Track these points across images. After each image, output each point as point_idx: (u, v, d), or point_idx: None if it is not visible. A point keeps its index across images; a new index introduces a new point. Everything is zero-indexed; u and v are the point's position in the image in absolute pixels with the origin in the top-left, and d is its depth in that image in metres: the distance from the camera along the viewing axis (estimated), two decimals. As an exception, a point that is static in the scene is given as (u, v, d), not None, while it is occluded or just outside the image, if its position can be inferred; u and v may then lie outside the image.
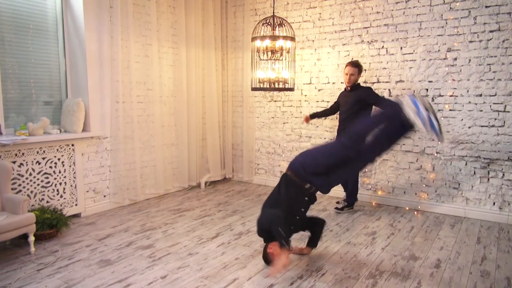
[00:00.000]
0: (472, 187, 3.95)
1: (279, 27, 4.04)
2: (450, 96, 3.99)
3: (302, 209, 2.78)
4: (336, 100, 4.28)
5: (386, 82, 4.35)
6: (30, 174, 3.48)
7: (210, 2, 5.22)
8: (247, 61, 5.29)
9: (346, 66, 3.98)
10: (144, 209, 4.24)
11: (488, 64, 3.78)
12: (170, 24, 4.76)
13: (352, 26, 4.53)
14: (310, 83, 4.91)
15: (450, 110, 4.00)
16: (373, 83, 4.42)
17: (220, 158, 5.57)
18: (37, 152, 3.52)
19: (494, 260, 2.95)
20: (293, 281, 2.62)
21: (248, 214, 4.06)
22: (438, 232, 3.57)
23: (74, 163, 3.83)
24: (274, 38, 3.93)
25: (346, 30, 4.57)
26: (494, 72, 3.75)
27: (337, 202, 4.31)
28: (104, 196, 4.18)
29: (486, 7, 3.73)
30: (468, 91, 3.89)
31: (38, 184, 3.54)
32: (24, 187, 3.44)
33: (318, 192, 2.81)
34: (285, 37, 3.96)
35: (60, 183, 3.73)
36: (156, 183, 4.72)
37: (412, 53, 4.16)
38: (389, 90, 4.34)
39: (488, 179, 3.86)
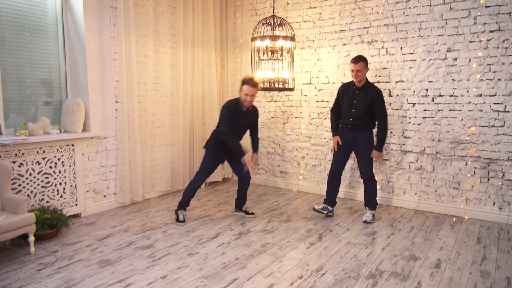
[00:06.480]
0: (472, 187, 3.95)
1: (279, 27, 4.04)
2: (450, 96, 3.99)
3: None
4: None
5: (386, 82, 4.35)
6: (30, 174, 3.48)
7: (210, 2, 5.22)
8: (247, 61, 5.29)
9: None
10: (144, 209, 4.24)
11: (488, 64, 3.77)
12: (170, 24, 4.76)
13: (352, 26, 4.53)
14: (310, 83, 4.91)
15: (450, 110, 4.00)
16: (373, 83, 4.40)
17: (220, 158, 5.55)
18: (37, 152, 3.52)
19: (494, 260, 2.95)
20: (293, 281, 2.62)
21: (248, 214, 4.05)
22: (438, 232, 3.57)
23: (74, 163, 3.83)
24: (274, 38, 3.93)
25: (346, 30, 4.57)
26: (494, 72, 3.75)
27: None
28: (104, 196, 4.18)
29: (486, 7, 3.73)
30: (468, 91, 3.89)
31: (38, 184, 3.54)
32: (24, 187, 3.44)
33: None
34: (285, 37, 3.95)
35: (60, 183, 3.73)
36: (156, 183, 4.72)
37: (412, 53, 4.16)
38: (389, 90, 4.34)
39: (488, 179, 3.86)
